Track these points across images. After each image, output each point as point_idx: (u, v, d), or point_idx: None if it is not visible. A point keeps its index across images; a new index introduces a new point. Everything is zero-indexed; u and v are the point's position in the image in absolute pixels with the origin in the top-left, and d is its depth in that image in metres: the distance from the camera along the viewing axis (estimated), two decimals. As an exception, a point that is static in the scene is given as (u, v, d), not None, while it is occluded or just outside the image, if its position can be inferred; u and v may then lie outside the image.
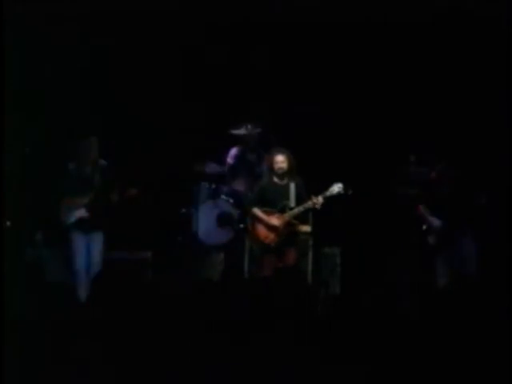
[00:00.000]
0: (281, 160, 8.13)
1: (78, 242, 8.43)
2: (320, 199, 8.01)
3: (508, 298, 4.54)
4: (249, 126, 9.52)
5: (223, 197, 9.47)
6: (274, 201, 8.12)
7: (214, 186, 9.55)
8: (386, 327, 4.37)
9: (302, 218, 8.30)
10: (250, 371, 4.07)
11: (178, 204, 9.68)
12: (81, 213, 8.42)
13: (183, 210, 9.62)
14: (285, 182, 8.15)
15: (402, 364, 4.11)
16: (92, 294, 4.83)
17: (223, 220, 9.35)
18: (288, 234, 8.08)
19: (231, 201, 9.43)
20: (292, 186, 8.10)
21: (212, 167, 9.63)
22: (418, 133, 9.58)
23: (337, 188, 8.04)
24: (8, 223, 8.76)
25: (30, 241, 9.31)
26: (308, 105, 9.91)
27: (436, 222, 8.24)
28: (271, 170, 8.16)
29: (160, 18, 9.71)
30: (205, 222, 9.38)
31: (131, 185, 8.52)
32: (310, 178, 8.29)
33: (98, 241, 8.48)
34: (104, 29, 9.61)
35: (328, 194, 8.03)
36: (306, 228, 9.27)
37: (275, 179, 8.16)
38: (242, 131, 9.54)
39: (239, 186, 9.50)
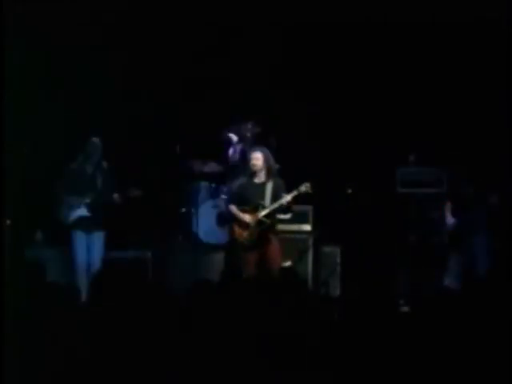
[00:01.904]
0: (255, 157, 8.17)
1: (79, 240, 8.46)
2: (288, 197, 8.05)
3: (509, 300, 4.54)
4: (249, 126, 9.53)
5: (223, 196, 9.47)
6: (249, 199, 8.18)
7: (213, 186, 9.56)
8: (386, 328, 4.37)
9: (298, 217, 8.34)
10: (250, 372, 4.07)
11: (178, 204, 9.69)
12: (82, 212, 8.44)
13: (183, 210, 9.62)
14: (262, 180, 8.20)
15: (404, 366, 4.11)
16: (91, 294, 4.83)
17: (223, 220, 9.35)
18: (261, 232, 8.10)
19: (226, 199, 9.42)
20: (269, 186, 8.15)
21: (212, 167, 9.64)
22: (418, 133, 9.58)
23: (304, 187, 8.09)
24: (8, 223, 8.77)
25: (29, 241, 9.32)
26: (308, 104, 9.91)
27: (450, 221, 8.26)
28: (248, 167, 8.22)
29: (160, 18, 9.72)
30: (205, 221, 9.38)
31: (133, 185, 8.55)
32: (310, 178, 8.29)
33: (98, 240, 8.50)
34: (104, 29, 9.61)
35: (296, 192, 8.09)
36: (306, 227, 9.29)
37: (252, 177, 8.21)
38: (242, 131, 9.55)
39: (236, 184, 9.49)
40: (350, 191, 9.45)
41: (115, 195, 8.42)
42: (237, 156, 9.61)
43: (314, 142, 9.88)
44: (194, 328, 4.36)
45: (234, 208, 8.25)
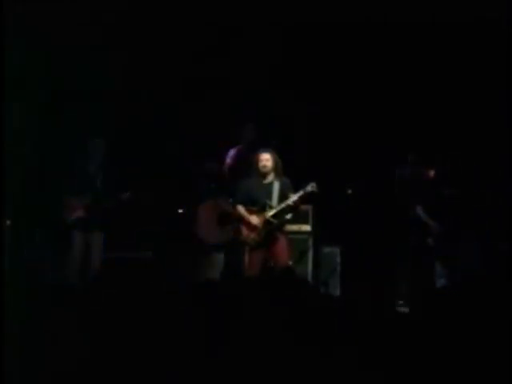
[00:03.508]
0: (265, 158, 8.22)
1: (77, 241, 8.46)
2: (295, 198, 8.08)
3: (509, 299, 4.54)
4: (249, 127, 9.53)
5: (223, 196, 9.47)
6: (256, 199, 8.21)
7: (213, 186, 9.57)
8: (386, 328, 4.37)
9: (298, 217, 8.35)
10: (249, 372, 4.07)
11: (178, 204, 9.69)
12: (80, 213, 8.45)
13: (183, 210, 9.63)
14: (269, 180, 8.23)
15: (401, 365, 4.11)
16: (92, 294, 4.83)
17: (223, 220, 9.35)
18: (269, 232, 8.12)
19: (231, 201, 9.43)
20: (276, 185, 8.18)
21: (212, 167, 9.64)
22: (418, 133, 9.58)
23: (310, 187, 8.13)
24: (8, 223, 8.77)
25: (29, 241, 9.32)
26: (308, 104, 9.92)
27: (435, 223, 8.24)
28: (256, 168, 8.24)
29: (160, 18, 9.72)
30: (205, 221, 9.38)
31: (132, 185, 8.57)
32: (310, 178, 8.30)
33: (97, 240, 8.51)
34: (104, 29, 9.61)
35: (302, 192, 8.12)
36: (306, 227, 9.29)
37: (259, 178, 8.24)
38: (241, 131, 9.56)
39: (242, 184, 9.49)
40: (349, 191, 9.45)
41: (109, 198, 8.41)
42: (236, 156, 9.61)
43: (314, 142, 9.88)
44: (195, 328, 4.36)
45: (241, 209, 8.26)
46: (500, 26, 9.06)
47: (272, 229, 8.13)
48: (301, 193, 8.14)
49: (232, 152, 9.65)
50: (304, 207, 9.12)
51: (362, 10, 9.49)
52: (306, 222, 9.31)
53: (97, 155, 8.53)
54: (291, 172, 8.54)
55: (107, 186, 8.51)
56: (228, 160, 9.65)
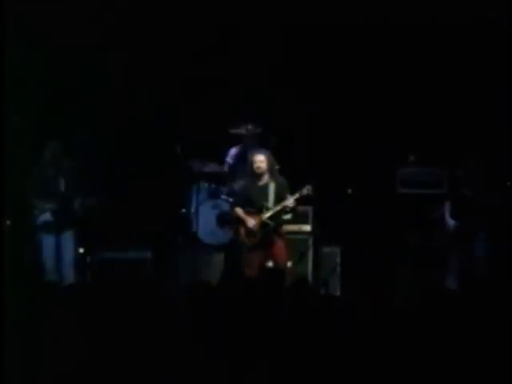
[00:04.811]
0: (260, 160, 8.25)
1: (46, 243, 8.40)
2: (291, 200, 8.10)
3: (509, 299, 4.54)
4: (249, 126, 9.52)
5: (223, 197, 9.47)
6: (253, 201, 8.24)
7: (213, 186, 9.56)
8: (386, 328, 4.37)
9: (298, 218, 8.40)
10: (249, 372, 4.07)
11: (178, 204, 9.68)
12: (46, 217, 8.39)
13: (183, 210, 9.62)
14: (264, 182, 8.26)
15: (401, 365, 4.11)
16: (91, 295, 4.83)
17: (223, 220, 9.35)
18: (265, 233, 8.13)
19: (231, 201, 9.43)
20: (272, 186, 8.22)
21: (212, 167, 9.64)
22: (418, 133, 9.58)
23: (306, 190, 8.20)
24: (8, 223, 8.76)
25: (30, 241, 9.30)
26: (308, 104, 9.91)
27: (451, 222, 8.27)
28: (251, 169, 8.25)
29: (160, 18, 9.72)
30: (205, 222, 9.38)
31: (132, 185, 8.53)
32: (310, 178, 8.30)
33: (67, 242, 8.44)
34: (104, 29, 9.61)
35: (298, 195, 8.15)
36: (306, 227, 9.29)
37: (254, 179, 8.26)
38: (241, 131, 9.55)
39: (239, 186, 9.49)
40: (350, 191, 9.45)
41: (78, 202, 8.34)
42: (236, 156, 9.60)
43: (314, 141, 9.88)
44: (194, 328, 4.36)
45: (239, 210, 8.29)
46: (500, 26, 9.07)
47: (269, 230, 8.17)
48: (296, 195, 8.19)
49: (232, 151, 9.65)
50: (304, 207, 9.12)
51: (362, 9, 9.49)
52: (305, 222, 9.31)
53: (54, 158, 8.41)
54: (291, 172, 8.55)
55: (71, 188, 8.40)
56: (228, 160, 9.64)
